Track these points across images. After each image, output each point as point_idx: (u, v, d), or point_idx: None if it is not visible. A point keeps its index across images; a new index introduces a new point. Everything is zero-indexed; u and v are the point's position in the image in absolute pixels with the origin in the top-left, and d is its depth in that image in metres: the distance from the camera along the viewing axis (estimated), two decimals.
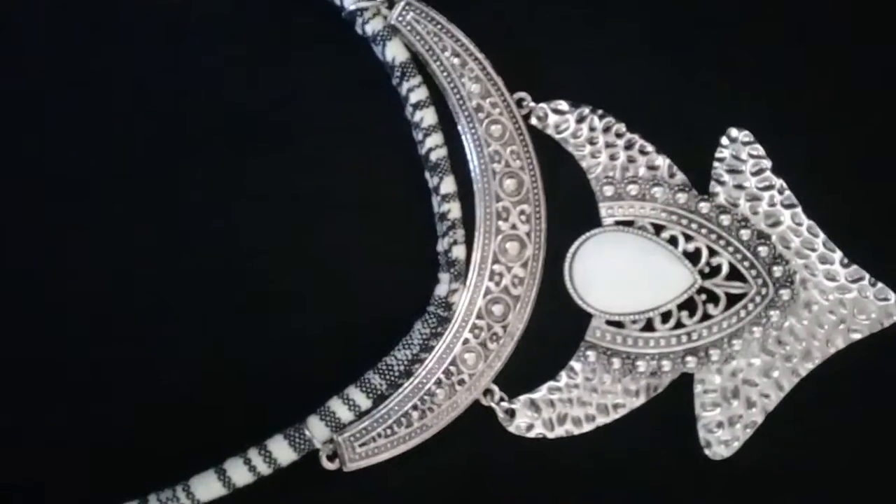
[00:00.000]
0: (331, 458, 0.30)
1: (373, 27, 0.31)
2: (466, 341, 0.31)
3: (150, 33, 0.32)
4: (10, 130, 0.32)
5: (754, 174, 0.33)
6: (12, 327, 0.31)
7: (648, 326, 0.33)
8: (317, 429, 0.29)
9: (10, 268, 0.32)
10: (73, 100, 0.32)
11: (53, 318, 0.31)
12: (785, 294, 0.32)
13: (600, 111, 0.32)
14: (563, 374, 0.32)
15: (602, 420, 0.32)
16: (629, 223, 0.32)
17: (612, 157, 0.32)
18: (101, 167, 0.32)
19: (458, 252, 0.31)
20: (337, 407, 0.30)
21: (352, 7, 0.31)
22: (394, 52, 0.31)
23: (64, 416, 0.31)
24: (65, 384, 0.31)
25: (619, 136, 0.33)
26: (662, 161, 0.32)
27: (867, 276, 0.32)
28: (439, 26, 0.31)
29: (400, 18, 0.31)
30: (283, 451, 0.29)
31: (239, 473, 0.29)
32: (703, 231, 0.32)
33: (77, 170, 0.32)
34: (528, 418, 0.31)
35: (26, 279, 0.31)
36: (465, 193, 0.32)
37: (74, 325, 0.31)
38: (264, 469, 0.29)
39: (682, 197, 0.32)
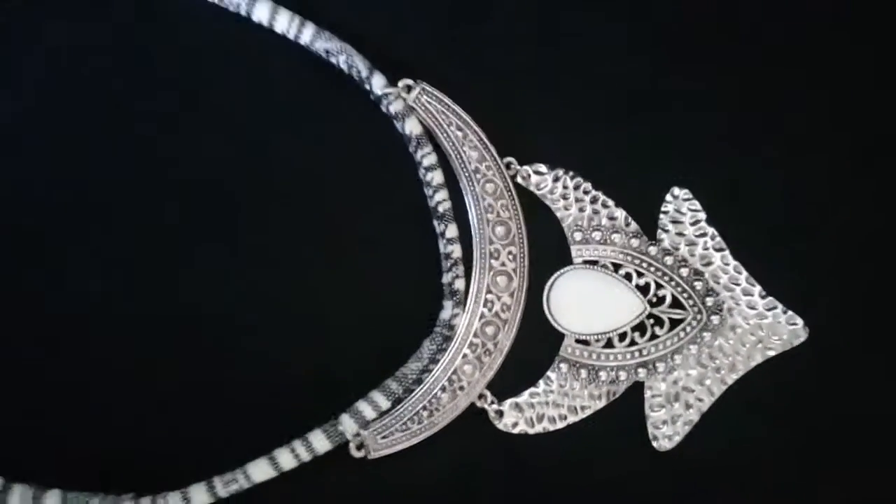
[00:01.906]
0: (358, 448, 0.35)
1: (395, 107, 0.36)
2: (465, 355, 0.36)
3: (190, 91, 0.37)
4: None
5: (692, 224, 0.37)
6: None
7: (609, 344, 0.37)
8: (347, 424, 0.35)
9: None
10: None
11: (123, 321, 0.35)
12: (715, 319, 0.37)
13: (571, 172, 0.37)
14: (542, 382, 0.37)
15: (572, 419, 0.37)
16: (594, 262, 0.37)
17: (581, 210, 0.37)
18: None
19: (459, 284, 0.36)
20: (363, 407, 0.35)
21: (379, 92, 0.36)
22: (411, 127, 0.37)
23: (142, 411, 0.35)
24: (145, 384, 0.35)
25: (586, 192, 0.37)
26: (620, 213, 0.37)
27: (780, 305, 0.37)
28: (446, 106, 0.37)
29: (416, 101, 0.37)
30: (320, 441, 0.34)
31: (285, 459, 0.34)
32: (652, 269, 0.37)
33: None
34: (513, 417, 0.36)
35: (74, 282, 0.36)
36: (465, 237, 0.37)
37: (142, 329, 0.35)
38: (305, 456, 0.34)
39: (635, 242, 0.37)
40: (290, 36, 0.36)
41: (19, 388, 0.34)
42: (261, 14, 0.36)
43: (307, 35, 0.36)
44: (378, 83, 0.36)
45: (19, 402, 0.34)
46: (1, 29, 0.36)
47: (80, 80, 0.36)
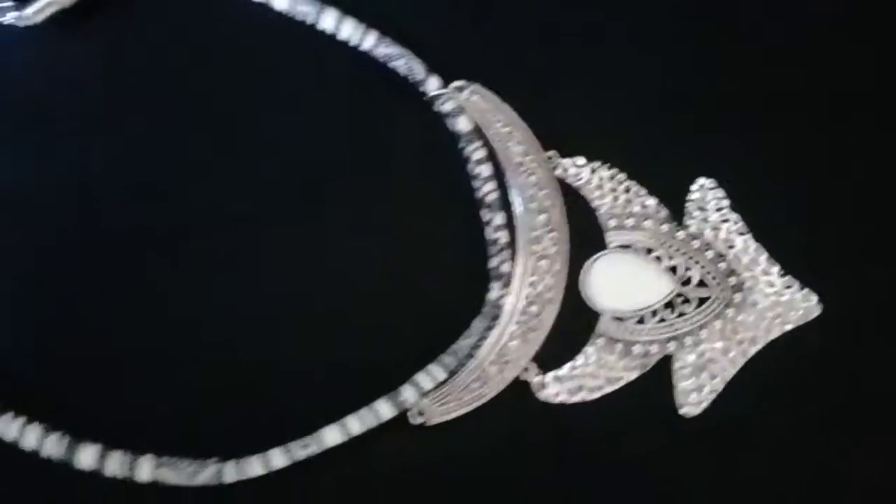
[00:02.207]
0: (418, 414, 0.39)
1: (448, 107, 0.40)
2: (511, 332, 0.39)
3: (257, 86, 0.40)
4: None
5: (716, 210, 0.41)
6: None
7: (641, 321, 0.40)
8: (408, 394, 0.38)
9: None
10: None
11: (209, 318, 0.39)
12: (738, 297, 0.40)
13: (607, 164, 0.40)
14: (580, 356, 0.40)
15: (608, 389, 0.40)
16: (628, 246, 0.41)
17: (615, 198, 0.41)
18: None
19: (505, 268, 0.40)
20: (422, 378, 0.39)
21: (433, 93, 0.40)
22: (462, 125, 0.40)
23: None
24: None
25: (619, 183, 0.40)
26: (651, 201, 0.40)
27: (797, 283, 0.40)
28: (494, 105, 0.40)
29: (466, 100, 0.39)
30: (385, 409, 0.38)
31: (354, 425, 0.38)
32: (680, 252, 0.40)
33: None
34: (554, 388, 0.40)
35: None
36: (510, 225, 0.40)
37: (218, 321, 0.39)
38: (371, 422, 0.38)
39: (665, 227, 0.41)
40: (354, 42, 0.39)
41: (123, 367, 0.38)
42: (327, 23, 0.39)
43: (370, 41, 0.39)
44: (433, 85, 0.39)
45: (119, 378, 0.38)
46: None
47: (166, 84, 0.39)
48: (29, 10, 0.37)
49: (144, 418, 0.38)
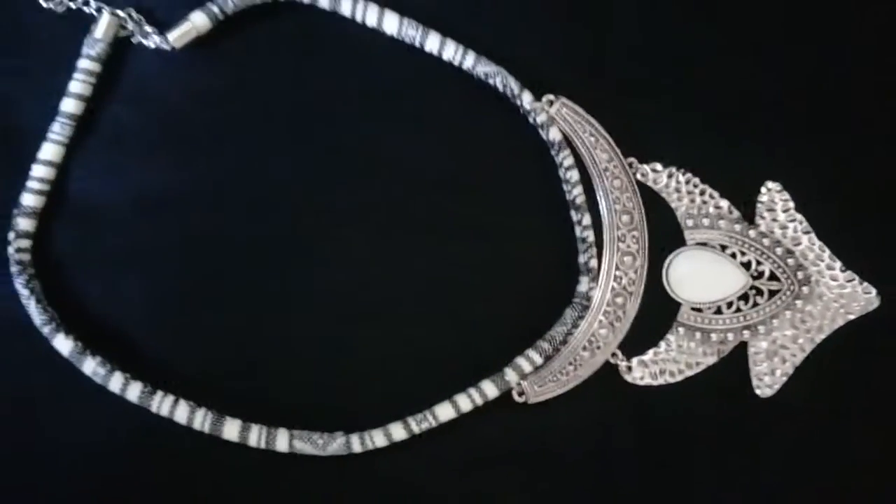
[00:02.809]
0: (519, 394, 0.43)
1: (540, 118, 0.44)
2: (600, 321, 0.44)
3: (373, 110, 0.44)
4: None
5: (783, 211, 0.45)
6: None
7: (718, 311, 0.44)
8: (510, 376, 0.43)
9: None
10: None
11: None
12: (805, 289, 0.44)
13: (682, 169, 0.44)
14: (663, 343, 0.44)
15: (688, 373, 0.44)
16: (704, 244, 0.45)
17: (692, 200, 0.45)
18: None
19: (594, 263, 0.44)
20: (522, 362, 0.43)
21: (528, 107, 0.44)
22: (553, 134, 0.44)
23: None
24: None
25: (695, 186, 0.45)
26: (724, 203, 0.45)
27: (857, 277, 0.44)
28: (581, 116, 0.44)
29: (557, 112, 0.44)
30: (490, 389, 0.42)
31: (464, 403, 0.42)
32: (752, 249, 0.45)
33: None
34: (640, 372, 0.44)
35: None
36: (596, 225, 0.44)
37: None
38: (479, 400, 0.42)
39: (738, 226, 0.45)
40: (455, 62, 0.44)
41: (256, 354, 0.43)
42: (432, 45, 0.43)
43: (469, 60, 0.43)
44: (527, 99, 0.44)
45: (254, 363, 0.43)
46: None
47: (288, 103, 0.44)
48: (171, 36, 0.42)
49: (279, 397, 0.42)
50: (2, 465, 0.42)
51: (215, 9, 0.42)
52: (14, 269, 0.41)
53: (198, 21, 0.42)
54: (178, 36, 0.42)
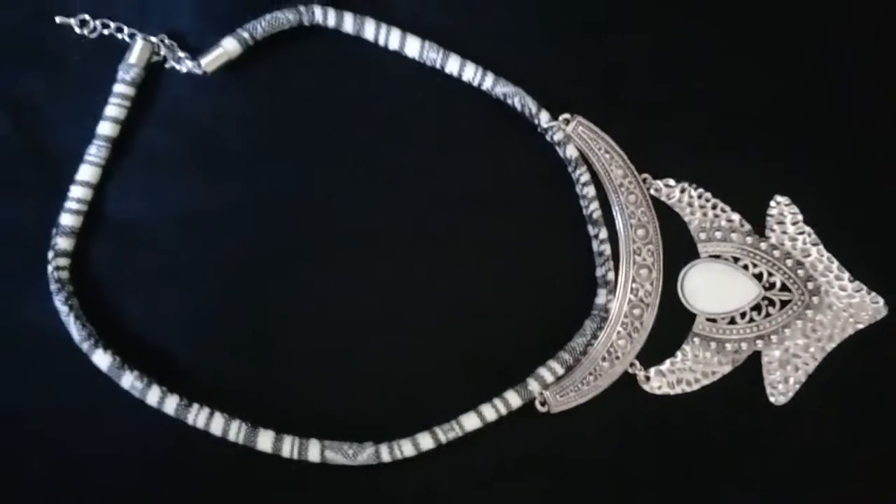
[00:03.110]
0: (542, 404, 0.44)
1: (557, 137, 0.46)
2: (619, 332, 0.45)
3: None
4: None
5: (792, 224, 0.46)
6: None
7: (732, 321, 0.46)
8: (533, 386, 0.44)
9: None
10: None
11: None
12: (815, 300, 0.46)
13: (695, 185, 0.46)
14: (679, 353, 0.46)
15: (704, 382, 0.45)
16: (717, 256, 0.46)
17: (704, 214, 0.46)
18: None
19: (611, 276, 0.45)
20: (544, 373, 0.44)
21: (545, 125, 0.45)
22: (570, 151, 0.46)
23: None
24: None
25: (707, 200, 0.46)
26: (736, 216, 0.46)
27: (865, 287, 0.46)
28: (597, 134, 0.46)
29: (573, 131, 0.46)
30: (514, 399, 0.44)
31: (488, 412, 0.43)
32: (764, 260, 0.46)
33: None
34: (658, 381, 0.45)
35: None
36: (613, 238, 0.46)
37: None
38: (503, 410, 0.43)
39: (749, 239, 0.46)
40: (475, 83, 0.45)
41: (290, 365, 0.44)
42: (452, 67, 0.45)
43: (489, 81, 0.45)
44: (544, 118, 0.45)
45: (287, 374, 0.44)
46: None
47: (315, 123, 0.45)
48: (203, 61, 0.44)
49: (310, 409, 0.43)
50: (42, 478, 0.43)
51: (245, 34, 0.44)
52: (54, 286, 0.42)
53: (229, 46, 0.44)
54: (210, 60, 0.44)
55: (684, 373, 0.45)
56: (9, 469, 0.43)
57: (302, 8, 0.44)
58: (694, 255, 0.46)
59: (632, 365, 0.45)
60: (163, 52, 0.44)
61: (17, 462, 0.43)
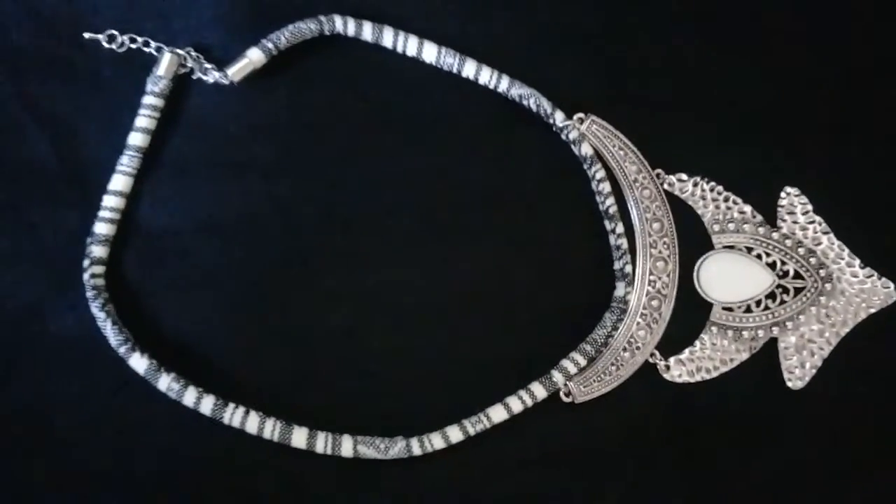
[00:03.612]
0: (566, 395, 0.45)
1: (572, 135, 0.47)
2: (638, 323, 0.46)
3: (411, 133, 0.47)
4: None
5: (803, 214, 0.48)
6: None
7: (748, 309, 0.47)
8: (557, 377, 0.45)
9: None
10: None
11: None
12: (828, 286, 0.47)
13: (707, 178, 0.47)
14: (697, 342, 0.47)
15: (723, 369, 0.47)
16: (731, 247, 0.47)
17: (717, 207, 0.48)
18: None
19: (629, 269, 0.47)
20: (567, 364, 0.45)
21: (560, 125, 0.47)
22: (585, 149, 0.47)
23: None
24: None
25: (719, 193, 0.47)
26: (748, 208, 0.48)
27: (876, 273, 0.47)
28: (610, 132, 0.47)
29: (587, 129, 0.47)
30: (539, 390, 0.45)
31: (515, 404, 0.44)
32: (776, 250, 0.47)
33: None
34: (677, 370, 0.46)
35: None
36: (629, 232, 0.47)
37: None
38: (528, 401, 0.45)
39: (761, 230, 0.48)
40: (491, 86, 0.47)
41: (320, 364, 0.45)
42: (469, 71, 0.46)
43: (504, 84, 0.46)
44: (559, 118, 0.47)
45: (319, 373, 0.45)
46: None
47: (337, 130, 0.47)
48: (230, 72, 0.45)
49: (342, 406, 0.44)
50: (83, 477, 0.44)
51: (269, 45, 0.45)
52: (90, 293, 0.43)
53: (254, 56, 0.45)
54: (236, 70, 0.45)
55: (703, 361, 0.47)
56: (42, 470, 0.44)
57: (323, 18, 0.46)
58: (708, 246, 0.48)
59: (652, 355, 0.46)
60: (189, 63, 0.45)
61: (49, 465, 0.44)
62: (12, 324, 0.45)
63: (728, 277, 0.47)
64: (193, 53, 0.45)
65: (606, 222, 0.47)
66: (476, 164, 0.47)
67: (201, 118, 0.46)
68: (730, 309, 0.47)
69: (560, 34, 0.48)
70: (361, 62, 0.47)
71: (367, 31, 0.46)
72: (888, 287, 0.47)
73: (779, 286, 0.47)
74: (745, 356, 0.47)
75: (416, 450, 0.43)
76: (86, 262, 0.44)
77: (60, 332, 0.45)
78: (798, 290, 0.47)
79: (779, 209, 0.48)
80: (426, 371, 0.45)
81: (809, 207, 0.48)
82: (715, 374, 0.47)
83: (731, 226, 0.48)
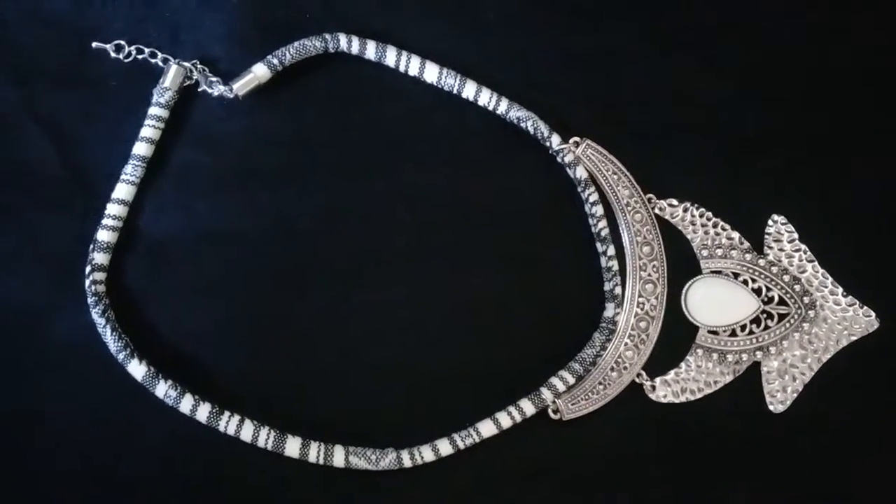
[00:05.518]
0: (554, 412, 0.46)
1: (567, 158, 0.48)
2: (626, 344, 0.47)
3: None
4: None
5: (789, 242, 0.49)
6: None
7: (733, 333, 0.48)
8: (546, 394, 0.46)
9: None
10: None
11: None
12: (811, 313, 0.48)
13: (696, 204, 0.49)
14: (683, 364, 0.48)
15: (707, 391, 0.48)
16: (719, 272, 0.48)
17: (706, 233, 0.49)
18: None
19: (618, 291, 0.48)
20: (556, 382, 0.46)
21: (556, 148, 0.48)
22: (579, 173, 0.48)
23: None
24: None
25: (708, 219, 0.49)
26: (735, 234, 0.49)
27: (858, 302, 0.48)
28: (605, 156, 0.48)
29: (582, 153, 0.48)
30: (528, 407, 0.46)
31: (504, 420, 0.45)
32: (762, 276, 0.49)
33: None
34: (663, 390, 0.47)
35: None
36: (620, 255, 0.48)
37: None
38: (518, 417, 0.45)
39: (748, 256, 0.49)
40: (490, 107, 0.48)
41: (314, 376, 0.46)
42: (469, 92, 0.48)
43: (503, 106, 0.48)
44: (555, 141, 0.48)
45: (313, 384, 0.46)
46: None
47: (339, 144, 0.48)
48: (235, 86, 0.46)
49: (335, 417, 0.45)
50: (81, 480, 0.45)
51: (274, 60, 0.46)
52: (91, 300, 0.44)
53: (259, 72, 0.46)
54: (241, 84, 0.46)
55: (688, 382, 0.48)
56: (40, 473, 0.45)
57: (328, 36, 0.47)
58: (696, 270, 0.49)
59: (639, 375, 0.48)
60: (195, 76, 0.46)
61: (48, 468, 0.45)
62: (13, 328, 0.45)
63: (714, 302, 0.48)
64: (199, 66, 0.46)
65: (598, 244, 0.48)
66: (473, 184, 0.48)
67: (205, 130, 0.47)
68: (715, 332, 0.48)
69: (558, 60, 0.49)
70: (364, 80, 0.48)
71: (371, 50, 0.47)
72: (869, 316, 0.48)
73: (764, 312, 0.48)
74: (728, 379, 0.48)
75: (407, 462, 0.44)
76: (87, 269, 0.45)
77: (60, 336, 0.45)
78: (782, 316, 0.48)
79: (766, 236, 0.49)
80: (418, 385, 0.46)
81: (795, 236, 0.49)
82: (699, 396, 0.48)
83: (719, 251, 0.49)
